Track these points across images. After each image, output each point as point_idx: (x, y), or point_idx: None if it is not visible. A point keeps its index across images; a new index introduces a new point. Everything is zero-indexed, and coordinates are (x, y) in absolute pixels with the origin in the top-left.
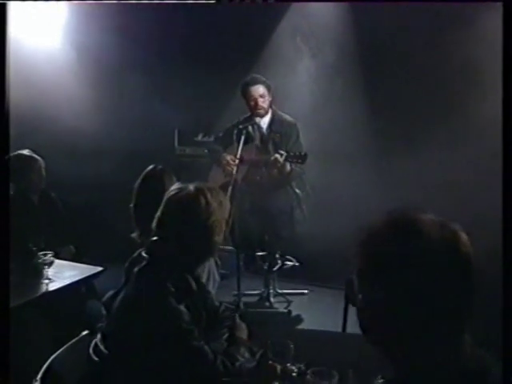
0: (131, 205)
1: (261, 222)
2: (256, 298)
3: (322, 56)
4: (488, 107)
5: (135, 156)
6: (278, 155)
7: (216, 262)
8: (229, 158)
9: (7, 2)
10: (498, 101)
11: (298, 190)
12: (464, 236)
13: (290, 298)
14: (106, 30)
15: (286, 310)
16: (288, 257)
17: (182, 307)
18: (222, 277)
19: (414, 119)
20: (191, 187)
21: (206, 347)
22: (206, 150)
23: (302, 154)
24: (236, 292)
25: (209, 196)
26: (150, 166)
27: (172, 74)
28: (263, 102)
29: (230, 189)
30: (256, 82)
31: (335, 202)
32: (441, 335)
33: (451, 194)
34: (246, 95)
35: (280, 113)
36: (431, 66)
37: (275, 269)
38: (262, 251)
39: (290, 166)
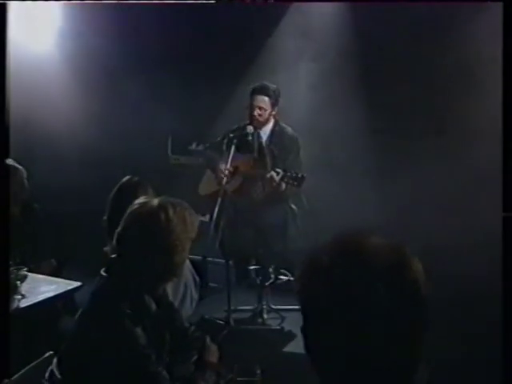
0: (105, 217)
1: (253, 236)
2: (248, 314)
3: (323, 59)
4: (488, 110)
5: (126, 165)
6: (274, 173)
7: (194, 279)
8: (222, 166)
9: (7, 2)
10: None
11: (293, 206)
12: (414, 261)
13: (283, 313)
14: (99, 33)
15: (278, 327)
16: (282, 271)
17: (139, 330)
18: (213, 291)
19: (416, 128)
20: (155, 202)
21: (164, 373)
22: (200, 159)
23: (299, 176)
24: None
25: (170, 212)
26: (126, 177)
27: (165, 80)
28: (260, 115)
29: (219, 200)
30: (262, 91)
31: (332, 217)
32: (388, 374)
33: (451, 206)
34: (250, 101)
35: (283, 125)
36: (434, 68)
37: (268, 283)
38: (256, 265)
39: (286, 185)
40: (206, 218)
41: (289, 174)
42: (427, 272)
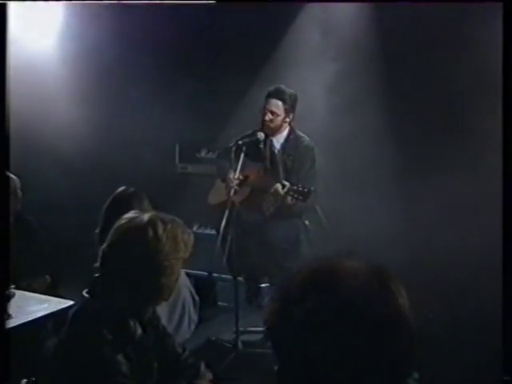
0: (97, 230)
1: (263, 251)
2: (259, 337)
3: (343, 59)
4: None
5: (129, 175)
6: (279, 186)
7: (193, 298)
8: (231, 175)
9: (7, 2)
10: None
11: (307, 222)
12: (397, 286)
13: None
14: (101, 34)
15: None
16: None
17: (120, 357)
18: (223, 310)
19: (440, 136)
20: (144, 217)
21: None
22: (209, 168)
23: (306, 190)
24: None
25: (160, 229)
26: (121, 188)
27: (172, 83)
28: (271, 120)
29: (226, 212)
30: (276, 95)
31: (348, 233)
32: None
33: (472, 219)
34: (263, 104)
35: (298, 133)
36: (451, 73)
37: None
38: (267, 283)
39: (292, 199)
40: (213, 231)
41: (294, 187)
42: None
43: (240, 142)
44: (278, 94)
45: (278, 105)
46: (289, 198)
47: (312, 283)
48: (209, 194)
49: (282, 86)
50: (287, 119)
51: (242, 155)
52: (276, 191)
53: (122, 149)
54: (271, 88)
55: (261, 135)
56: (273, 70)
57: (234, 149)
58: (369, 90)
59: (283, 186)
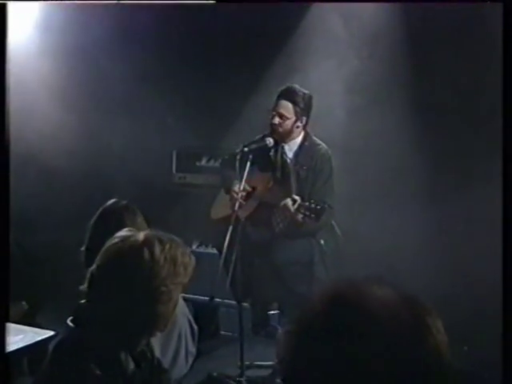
0: (82, 248)
1: (271, 274)
2: (267, 372)
3: (363, 57)
4: None
5: (123, 185)
6: (289, 201)
7: (191, 328)
8: (236, 187)
9: (7, 2)
10: None
11: (322, 241)
12: (434, 320)
13: None
14: (95, 33)
15: None
16: None
17: None
18: (226, 341)
19: (473, 146)
20: (139, 236)
21: None
22: (210, 178)
23: (318, 207)
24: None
25: (157, 250)
26: (110, 201)
27: (169, 84)
28: (280, 125)
29: (230, 228)
30: (286, 96)
31: (367, 256)
32: None
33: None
34: (273, 106)
35: (314, 139)
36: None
37: None
38: (276, 310)
39: (303, 217)
40: (215, 250)
41: (306, 203)
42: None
43: (246, 149)
44: (289, 95)
45: (287, 107)
46: (299, 216)
47: (335, 312)
48: (212, 208)
49: (295, 86)
50: (299, 123)
51: (249, 164)
52: (285, 207)
53: (111, 156)
54: (283, 87)
55: (270, 141)
56: (284, 67)
57: (239, 156)
58: (393, 91)
59: (294, 202)
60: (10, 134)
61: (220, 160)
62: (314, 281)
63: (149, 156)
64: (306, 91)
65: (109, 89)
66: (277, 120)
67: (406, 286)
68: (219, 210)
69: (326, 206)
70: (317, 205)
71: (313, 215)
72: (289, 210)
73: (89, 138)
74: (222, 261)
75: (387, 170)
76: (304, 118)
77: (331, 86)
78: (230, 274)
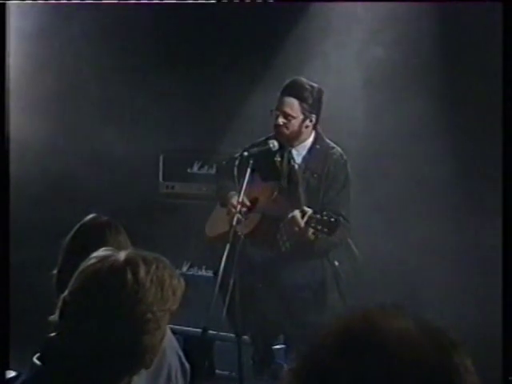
0: (54, 271)
1: (277, 301)
2: None
3: (385, 48)
4: None
5: (103, 198)
6: (297, 214)
7: (182, 366)
8: (234, 200)
9: (7, 2)
10: None
11: (336, 263)
12: (463, 357)
13: None
14: (77, 33)
15: None
16: None
17: None
18: (222, 381)
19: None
20: (120, 256)
21: None
22: (204, 188)
23: (332, 219)
24: None
25: (141, 271)
26: (89, 216)
27: (156, 79)
28: (285, 125)
29: (227, 247)
30: (291, 91)
31: (388, 280)
32: None
33: None
34: (277, 102)
35: (327, 141)
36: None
37: None
38: (282, 344)
39: (314, 232)
40: (210, 272)
41: (318, 216)
42: None
43: (246, 154)
44: (294, 90)
45: (292, 104)
46: (310, 231)
47: (347, 348)
48: (207, 223)
49: (301, 79)
50: (308, 123)
51: (249, 171)
52: (294, 221)
53: (89, 164)
54: (287, 81)
55: (274, 144)
56: (290, 58)
57: (237, 162)
58: (419, 86)
59: (303, 214)
60: None
61: (215, 166)
62: (325, 310)
63: (130, 161)
64: (315, 84)
65: (87, 89)
66: (281, 120)
67: (431, 316)
68: (215, 225)
69: (341, 218)
70: (330, 217)
71: (325, 229)
72: (297, 223)
73: (63, 145)
74: (217, 285)
75: (412, 178)
76: (313, 117)
77: (346, 80)
78: (226, 301)
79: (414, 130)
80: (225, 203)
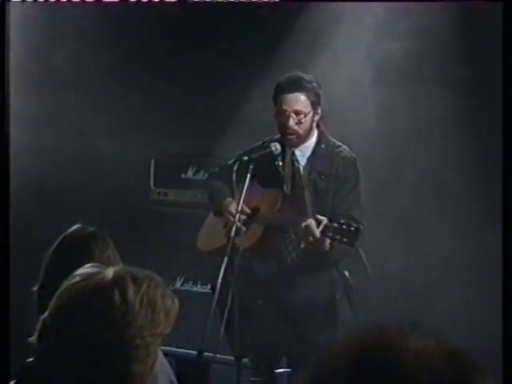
0: (35, 287)
1: (281, 320)
2: None
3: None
4: None
5: (88, 206)
6: (312, 222)
7: None
8: (232, 207)
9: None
10: None
11: (347, 273)
12: (485, 379)
13: None
14: (66, 31)
15: None
16: None
17: None
18: None
19: None
20: (108, 274)
21: None
22: (199, 195)
23: (352, 228)
24: None
25: (130, 291)
26: (73, 227)
27: (149, 78)
28: (298, 123)
29: (225, 260)
30: (294, 87)
31: (402, 293)
32: None
33: None
34: (277, 105)
35: (333, 140)
36: None
37: None
38: (287, 367)
39: (331, 242)
40: (206, 288)
41: (335, 224)
42: None
43: (245, 158)
44: (296, 85)
45: (301, 99)
46: (327, 242)
47: (361, 371)
48: (198, 237)
49: (297, 72)
50: (316, 117)
51: (249, 176)
52: (308, 230)
53: (71, 168)
54: (282, 78)
55: (276, 147)
56: (285, 59)
57: (236, 167)
58: (437, 83)
59: (318, 223)
60: None
61: (210, 171)
62: (336, 327)
63: (118, 166)
64: (311, 76)
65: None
66: (293, 120)
67: (450, 335)
68: (209, 239)
69: (362, 226)
70: (350, 226)
71: (345, 239)
72: (313, 233)
73: (43, 150)
74: (214, 302)
75: (428, 184)
76: (319, 110)
77: (356, 75)
78: (224, 320)
79: (430, 131)
80: (220, 212)
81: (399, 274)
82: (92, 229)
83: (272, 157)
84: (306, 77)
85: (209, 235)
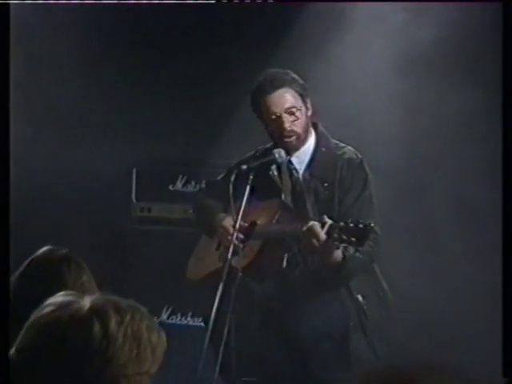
0: None
1: (284, 352)
2: None
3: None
4: None
5: (58, 224)
6: (315, 224)
7: None
8: (230, 220)
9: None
10: None
11: (360, 297)
12: None
13: None
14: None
15: None
16: None
17: None
18: None
19: None
20: (85, 302)
21: None
22: (190, 211)
23: (361, 226)
24: None
25: (112, 323)
26: (43, 249)
27: (139, 77)
28: (294, 122)
29: (220, 286)
30: (275, 84)
31: (424, 320)
32: None
33: None
34: (261, 112)
35: (334, 141)
36: None
37: None
38: None
39: (343, 250)
40: (198, 321)
41: (341, 224)
42: None
43: (244, 167)
44: (277, 82)
45: (287, 96)
46: (334, 245)
47: None
48: (188, 263)
49: (271, 70)
50: (309, 113)
51: (248, 188)
52: (312, 232)
53: (42, 181)
54: (259, 79)
55: (280, 154)
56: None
57: (233, 177)
58: (468, 79)
59: (323, 225)
60: None
61: (204, 183)
62: (348, 361)
63: (94, 176)
64: (287, 70)
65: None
66: (287, 120)
67: (479, 373)
68: (199, 264)
69: (371, 225)
70: (357, 223)
71: (353, 238)
72: (317, 235)
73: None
74: (207, 337)
75: (454, 196)
76: (309, 105)
77: (374, 71)
78: (219, 357)
79: (458, 135)
80: (213, 230)
81: (419, 298)
82: (64, 251)
83: (268, 166)
84: (282, 71)
85: (200, 260)
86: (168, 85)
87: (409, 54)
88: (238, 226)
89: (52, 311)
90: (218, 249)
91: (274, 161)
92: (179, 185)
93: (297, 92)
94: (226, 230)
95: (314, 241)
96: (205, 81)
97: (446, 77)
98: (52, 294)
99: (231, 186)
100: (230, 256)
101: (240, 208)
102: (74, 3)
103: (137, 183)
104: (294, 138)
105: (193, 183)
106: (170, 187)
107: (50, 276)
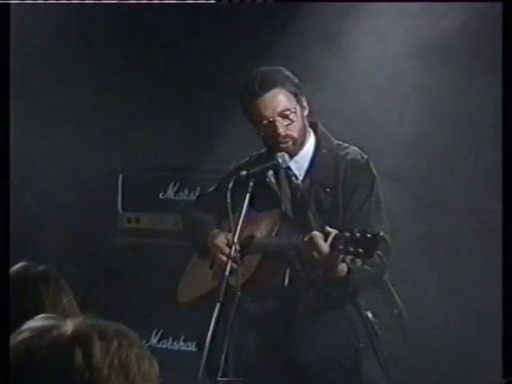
0: None
1: (286, 378)
2: None
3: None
4: None
5: (34, 237)
6: (317, 234)
7: None
8: (222, 238)
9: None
10: None
11: (370, 315)
12: None
13: None
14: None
15: None
16: None
17: None
18: None
19: None
20: (67, 327)
21: None
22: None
23: (369, 235)
24: None
25: (97, 351)
26: (17, 266)
27: (127, 77)
28: (289, 125)
29: (217, 307)
30: (268, 84)
31: (443, 343)
32: None
33: None
34: (252, 116)
35: (336, 142)
36: None
37: None
38: None
39: (349, 262)
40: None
41: (347, 233)
42: None
43: (244, 173)
44: (267, 82)
45: (279, 97)
46: (340, 258)
47: None
48: (179, 285)
49: (260, 69)
50: (305, 112)
51: (248, 197)
52: (312, 244)
53: (19, 189)
54: (246, 83)
55: (284, 159)
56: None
57: (231, 185)
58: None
59: (326, 235)
60: None
61: (198, 190)
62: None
63: (76, 183)
64: (280, 67)
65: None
66: (281, 125)
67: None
68: (191, 285)
69: (381, 234)
70: (364, 233)
71: (360, 249)
72: (318, 247)
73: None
74: (202, 364)
75: (478, 204)
76: (305, 104)
77: (393, 69)
78: None
79: (482, 138)
80: (206, 249)
81: (436, 314)
82: (41, 267)
83: (266, 172)
84: (273, 68)
85: (192, 281)
86: (160, 85)
87: (424, 57)
88: (236, 239)
89: (29, 337)
90: (211, 267)
91: (278, 166)
92: (171, 193)
93: (290, 92)
94: (220, 249)
95: (315, 253)
96: (201, 82)
97: (467, 70)
98: (28, 317)
99: (229, 195)
100: (227, 273)
101: (239, 220)
102: (75, 3)
103: (123, 191)
104: (290, 143)
105: (186, 191)
106: (161, 195)
107: (25, 297)
